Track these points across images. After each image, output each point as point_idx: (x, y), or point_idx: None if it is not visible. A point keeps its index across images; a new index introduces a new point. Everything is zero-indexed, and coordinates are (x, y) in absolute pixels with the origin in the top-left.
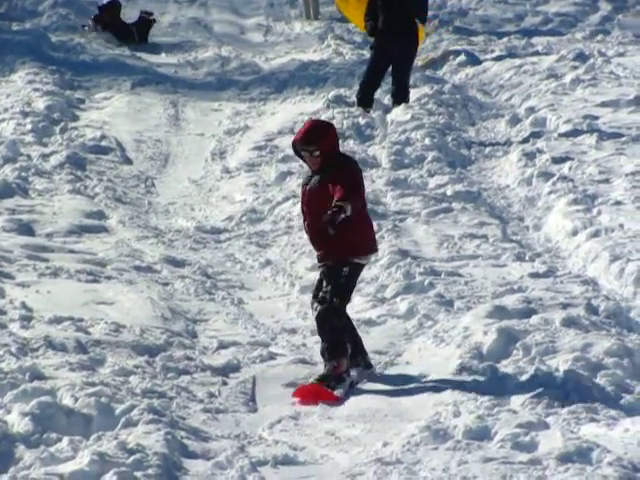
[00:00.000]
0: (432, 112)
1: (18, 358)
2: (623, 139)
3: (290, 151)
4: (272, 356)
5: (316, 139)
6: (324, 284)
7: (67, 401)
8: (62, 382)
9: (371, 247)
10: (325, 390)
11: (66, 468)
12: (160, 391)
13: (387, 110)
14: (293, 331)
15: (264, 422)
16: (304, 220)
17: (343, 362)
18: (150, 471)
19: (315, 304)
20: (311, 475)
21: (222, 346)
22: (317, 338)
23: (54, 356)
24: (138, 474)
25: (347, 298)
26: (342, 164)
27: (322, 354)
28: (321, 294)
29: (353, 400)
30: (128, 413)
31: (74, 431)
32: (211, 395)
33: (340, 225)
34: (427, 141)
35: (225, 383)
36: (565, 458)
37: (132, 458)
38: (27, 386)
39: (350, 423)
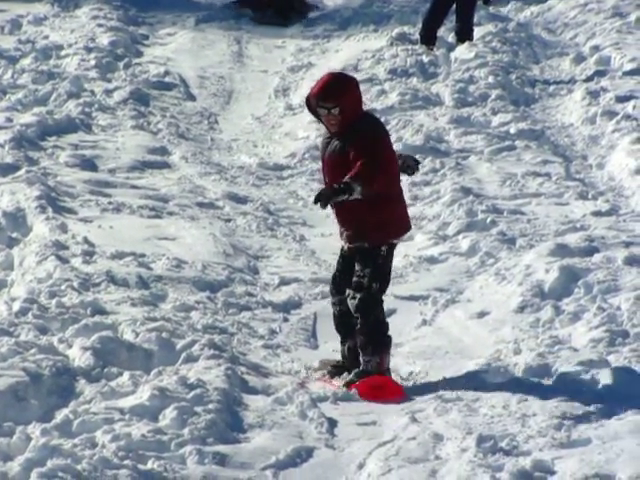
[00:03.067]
0: (496, 50)
1: (80, 293)
2: None
3: None
4: None
5: (336, 94)
6: (357, 267)
7: (128, 336)
8: (123, 317)
9: (407, 224)
10: (392, 382)
11: (126, 402)
12: (221, 327)
13: (451, 48)
14: None
15: (325, 359)
16: None
17: (386, 358)
18: (210, 406)
19: (350, 292)
20: (371, 411)
21: (283, 282)
22: None
23: (116, 291)
24: (198, 409)
25: (387, 282)
26: (366, 128)
27: (362, 348)
28: (356, 279)
29: (414, 338)
30: (189, 348)
31: (135, 366)
32: (272, 331)
33: (344, 202)
34: (491, 79)
35: (286, 319)
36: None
37: (192, 393)
38: (88, 321)
39: (411, 360)
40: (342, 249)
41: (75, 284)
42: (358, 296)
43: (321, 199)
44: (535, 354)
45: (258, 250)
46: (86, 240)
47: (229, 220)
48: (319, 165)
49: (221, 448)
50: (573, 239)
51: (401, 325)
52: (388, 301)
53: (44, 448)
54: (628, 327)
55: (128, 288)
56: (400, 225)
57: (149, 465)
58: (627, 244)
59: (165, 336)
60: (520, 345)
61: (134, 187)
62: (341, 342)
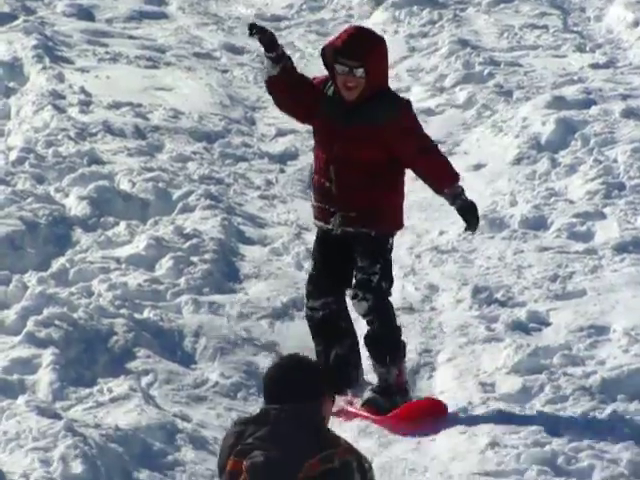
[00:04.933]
0: None
1: (76, 142)
2: None
3: None
4: None
5: (364, 52)
6: (361, 261)
7: (125, 186)
8: (120, 167)
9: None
10: (436, 401)
11: (123, 252)
12: (217, 177)
13: None
14: None
15: None
16: (322, 164)
17: (404, 368)
18: (206, 256)
19: (358, 292)
20: None
21: (280, 134)
22: None
23: (112, 141)
24: (194, 259)
25: (392, 281)
26: (396, 105)
27: (377, 359)
28: (364, 276)
29: (410, 190)
30: (185, 199)
31: (131, 215)
32: (268, 182)
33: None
34: None
35: (282, 171)
36: (621, 248)
37: (188, 243)
38: (85, 170)
39: (406, 215)
40: (320, 236)
41: (72, 134)
42: (370, 297)
43: (473, 227)
44: (531, 206)
45: (255, 101)
46: (83, 90)
47: (226, 71)
48: (317, 16)
49: (217, 298)
50: (570, 91)
51: None
52: None
53: (40, 296)
54: (624, 179)
55: (125, 138)
56: (402, 215)
57: (145, 314)
58: (624, 97)
59: (161, 186)
60: (516, 197)
61: (131, 37)
62: (323, 351)
